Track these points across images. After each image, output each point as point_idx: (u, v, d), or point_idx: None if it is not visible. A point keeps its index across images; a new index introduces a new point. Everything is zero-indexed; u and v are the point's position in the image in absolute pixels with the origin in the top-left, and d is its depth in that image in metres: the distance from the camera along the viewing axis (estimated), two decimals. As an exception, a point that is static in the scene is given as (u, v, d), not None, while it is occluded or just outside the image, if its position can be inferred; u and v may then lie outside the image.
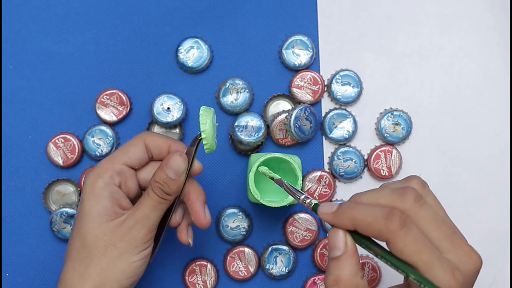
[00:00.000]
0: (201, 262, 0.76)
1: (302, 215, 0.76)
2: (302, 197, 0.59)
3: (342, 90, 0.77)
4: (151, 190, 0.62)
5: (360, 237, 0.53)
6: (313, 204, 0.57)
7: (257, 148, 0.76)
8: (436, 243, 0.51)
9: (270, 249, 0.76)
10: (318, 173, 0.76)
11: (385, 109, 0.78)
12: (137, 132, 0.76)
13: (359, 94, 0.77)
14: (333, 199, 0.77)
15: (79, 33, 0.78)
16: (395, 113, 0.77)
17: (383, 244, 0.53)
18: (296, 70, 0.78)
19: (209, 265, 0.76)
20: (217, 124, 0.65)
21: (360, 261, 0.75)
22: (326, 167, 0.78)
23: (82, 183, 0.65)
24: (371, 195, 0.54)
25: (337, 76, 0.77)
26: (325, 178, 0.76)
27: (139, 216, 0.61)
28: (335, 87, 0.77)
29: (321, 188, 0.76)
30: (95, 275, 0.60)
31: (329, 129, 0.77)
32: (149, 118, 0.77)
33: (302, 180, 0.69)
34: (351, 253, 0.53)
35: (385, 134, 0.77)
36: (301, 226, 0.76)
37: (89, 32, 0.78)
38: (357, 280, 0.53)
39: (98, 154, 0.76)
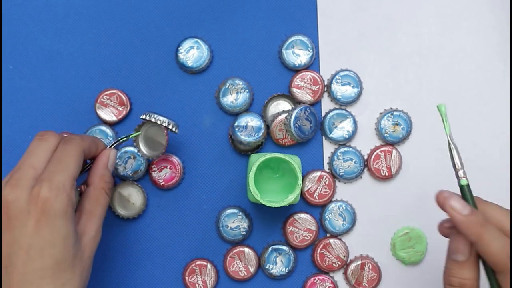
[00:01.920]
0: (201, 262, 0.76)
1: (302, 215, 0.76)
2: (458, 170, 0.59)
3: (342, 90, 0.77)
4: (105, 193, 0.65)
5: None
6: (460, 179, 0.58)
7: (257, 148, 0.76)
8: None
9: (270, 249, 0.76)
10: (318, 173, 0.76)
11: (385, 109, 0.78)
12: (137, 132, 0.77)
13: (359, 94, 0.77)
14: (333, 199, 0.77)
15: (79, 33, 0.78)
16: (395, 113, 0.77)
17: None
18: (296, 70, 0.78)
19: (209, 265, 0.76)
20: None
21: (361, 261, 0.75)
22: (326, 167, 0.78)
23: (42, 203, 0.56)
24: (497, 211, 0.56)
25: (337, 76, 0.77)
26: (325, 178, 0.76)
27: (99, 224, 0.63)
28: (335, 87, 0.77)
29: (321, 188, 0.76)
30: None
31: (329, 129, 0.77)
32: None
33: (302, 180, 0.69)
34: (475, 259, 0.54)
35: (385, 134, 0.77)
36: (301, 226, 0.76)
37: (89, 32, 0.78)
38: (477, 284, 0.54)
39: (98, 154, 0.76)
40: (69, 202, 0.58)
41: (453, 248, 0.55)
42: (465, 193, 0.57)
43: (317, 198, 0.76)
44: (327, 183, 0.76)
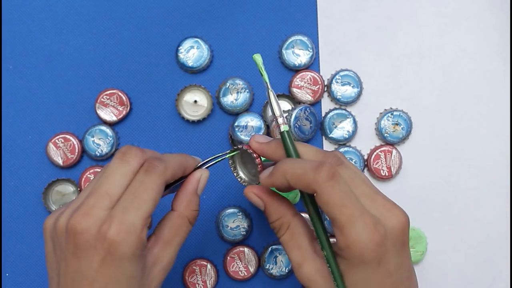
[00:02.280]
0: (201, 262, 0.76)
1: (302, 214, 0.76)
2: (278, 113, 0.59)
3: (342, 90, 0.77)
4: (188, 222, 0.60)
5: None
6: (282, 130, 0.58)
7: (257, 148, 0.76)
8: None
9: (270, 249, 0.76)
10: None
11: (385, 109, 0.78)
12: (137, 133, 0.77)
13: (359, 94, 0.77)
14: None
15: (79, 33, 0.78)
16: (395, 113, 0.77)
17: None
18: (296, 70, 0.78)
19: (209, 265, 0.76)
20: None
21: None
22: (326, 167, 0.78)
23: (109, 243, 0.52)
24: (305, 149, 0.58)
25: (337, 76, 0.77)
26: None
27: (172, 256, 0.59)
28: (335, 87, 0.77)
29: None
30: None
31: (329, 129, 0.77)
32: (148, 118, 0.77)
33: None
34: (269, 203, 0.59)
35: (385, 134, 0.77)
36: (301, 226, 0.76)
37: (89, 32, 0.78)
38: (286, 219, 0.58)
39: (98, 154, 0.76)
40: (138, 244, 0.53)
41: (252, 202, 0.60)
42: (285, 139, 0.57)
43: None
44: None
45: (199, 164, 0.62)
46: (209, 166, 0.63)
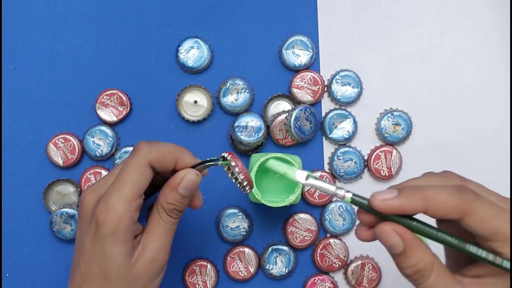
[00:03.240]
0: (201, 263, 0.76)
1: (302, 215, 0.76)
2: (333, 188, 0.53)
3: (342, 91, 0.77)
4: (164, 213, 0.60)
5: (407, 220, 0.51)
6: (352, 194, 0.52)
7: (257, 148, 0.76)
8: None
9: (270, 249, 0.76)
10: (318, 174, 0.76)
11: (385, 109, 0.78)
12: (137, 133, 0.77)
13: (359, 94, 0.77)
14: (333, 200, 0.77)
15: (79, 33, 0.78)
16: (395, 113, 0.77)
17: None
18: (296, 70, 0.78)
19: (209, 266, 0.76)
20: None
21: (361, 261, 0.75)
22: (326, 167, 0.78)
23: (96, 220, 0.57)
24: (417, 181, 0.53)
25: (337, 77, 0.77)
26: (325, 179, 0.76)
27: (159, 245, 0.59)
28: (335, 87, 0.77)
29: (321, 189, 0.76)
30: None
31: (329, 129, 0.77)
32: (148, 118, 0.77)
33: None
34: (412, 241, 0.51)
35: (385, 135, 0.77)
36: (301, 226, 0.76)
37: (89, 32, 0.78)
38: (430, 258, 0.51)
39: (98, 155, 0.76)
40: (118, 225, 0.56)
41: (387, 244, 0.51)
42: (358, 202, 0.52)
43: (317, 198, 0.76)
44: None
45: (195, 164, 0.61)
46: (207, 167, 0.61)
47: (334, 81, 0.77)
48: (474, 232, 0.50)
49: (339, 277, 0.77)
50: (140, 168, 0.58)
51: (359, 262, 0.76)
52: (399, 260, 0.51)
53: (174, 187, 0.59)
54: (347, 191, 0.52)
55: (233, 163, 0.58)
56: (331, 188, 0.53)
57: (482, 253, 0.50)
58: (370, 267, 0.76)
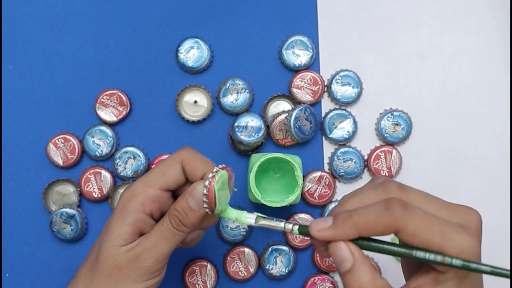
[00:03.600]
0: (201, 263, 0.76)
1: (302, 215, 0.76)
2: (282, 224, 0.56)
3: (342, 91, 0.77)
4: (167, 218, 0.59)
5: (362, 241, 0.52)
6: (298, 226, 0.55)
7: (257, 148, 0.76)
8: (437, 215, 0.51)
9: (270, 249, 0.76)
10: (318, 174, 0.76)
11: (385, 110, 0.78)
12: (137, 133, 0.77)
13: (359, 95, 0.77)
14: (333, 200, 0.77)
15: (79, 33, 0.78)
16: (395, 113, 0.77)
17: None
18: (296, 70, 0.78)
19: (209, 266, 0.76)
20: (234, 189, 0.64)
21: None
22: (326, 167, 0.78)
23: (117, 201, 0.63)
24: (356, 199, 0.53)
25: (337, 77, 0.77)
26: (325, 179, 0.76)
27: (148, 245, 0.59)
28: (335, 87, 0.77)
29: (321, 189, 0.76)
30: None
31: (329, 129, 0.77)
32: (148, 118, 0.77)
33: (302, 180, 0.69)
34: (361, 258, 0.51)
35: (385, 135, 0.77)
36: (301, 226, 0.76)
37: (89, 32, 0.78)
38: (379, 281, 0.51)
39: (98, 155, 0.76)
40: (128, 203, 0.59)
41: (337, 260, 0.52)
42: (304, 233, 0.54)
43: (317, 198, 0.76)
44: (327, 183, 0.76)
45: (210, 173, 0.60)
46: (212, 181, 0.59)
47: (334, 81, 0.77)
48: (411, 245, 0.50)
49: (339, 277, 0.77)
50: (171, 160, 0.61)
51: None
52: (347, 279, 0.52)
53: (184, 195, 0.59)
54: (294, 224, 0.55)
55: (206, 182, 0.58)
56: (280, 224, 0.56)
57: (430, 256, 0.50)
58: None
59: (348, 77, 0.77)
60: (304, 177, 0.76)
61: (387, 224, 0.50)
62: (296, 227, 0.55)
